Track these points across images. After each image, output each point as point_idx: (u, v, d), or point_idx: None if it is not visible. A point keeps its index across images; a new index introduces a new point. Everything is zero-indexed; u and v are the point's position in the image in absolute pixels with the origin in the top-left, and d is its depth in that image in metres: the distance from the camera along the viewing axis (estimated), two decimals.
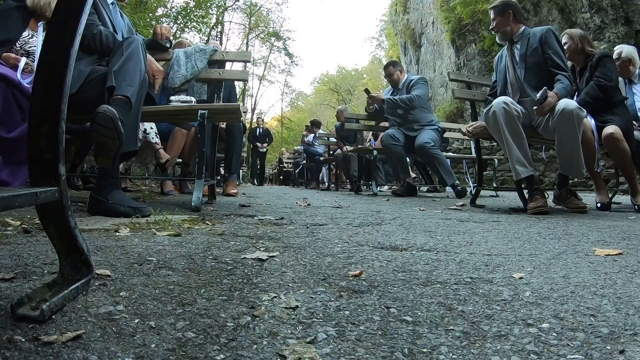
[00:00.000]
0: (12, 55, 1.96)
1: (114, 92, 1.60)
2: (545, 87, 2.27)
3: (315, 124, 9.14)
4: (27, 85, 1.69)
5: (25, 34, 2.08)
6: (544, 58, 2.47)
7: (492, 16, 2.69)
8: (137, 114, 1.74)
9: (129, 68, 1.66)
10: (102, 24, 1.96)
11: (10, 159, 1.60)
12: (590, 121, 2.52)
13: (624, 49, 3.02)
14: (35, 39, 2.12)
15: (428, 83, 4.62)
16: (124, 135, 1.45)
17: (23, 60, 1.89)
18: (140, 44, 1.77)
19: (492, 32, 2.77)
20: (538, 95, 2.26)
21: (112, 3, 2.17)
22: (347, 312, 0.64)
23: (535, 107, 2.31)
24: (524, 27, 2.63)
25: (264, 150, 11.30)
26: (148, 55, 2.10)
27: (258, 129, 11.57)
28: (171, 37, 2.55)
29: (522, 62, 2.55)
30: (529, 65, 2.52)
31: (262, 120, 12.45)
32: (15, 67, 1.83)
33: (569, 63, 2.81)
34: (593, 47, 2.87)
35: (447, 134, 5.34)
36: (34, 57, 2.07)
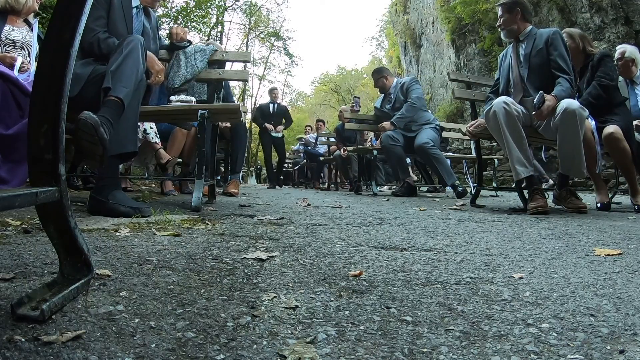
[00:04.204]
0: (8, 54, 2.03)
1: (108, 93, 1.60)
2: (541, 92, 2.26)
3: (320, 121, 9.15)
4: (24, 82, 1.70)
5: (6, 27, 2.22)
6: (548, 60, 2.47)
7: (499, 13, 2.68)
8: (134, 114, 1.73)
9: (125, 68, 1.65)
10: (112, 29, 1.96)
11: (9, 156, 1.59)
12: (590, 122, 2.52)
13: (627, 49, 2.99)
14: (16, 31, 2.24)
15: (419, 82, 4.64)
16: (107, 141, 1.43)
17: (19, 59, 1.94)
18: (141, 43, 1.76)
19: (499, 29, 2.76)
20: (535, 100, 2.26)
21: (136, 7, 2.19)
22: (347, 312, 0.64)
23: (533, 113, 2.31)
24: (531, 26, 2.62)
25: (280, 135, 7.29)
26: (149, 54, 2.11)
27: (272, 105, 7.41)
28: (187, 37, 2.58)
29: (526, 62, 2.54)
30: (533, 65, 2.52)
31: (277, 93, 7.98)
32: (11, 66, 1.85)
33: None
34: (593, 47, 2.86)
35: (447, 134, 5.35)
36: (20, 46, 2.21)
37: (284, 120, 7.29)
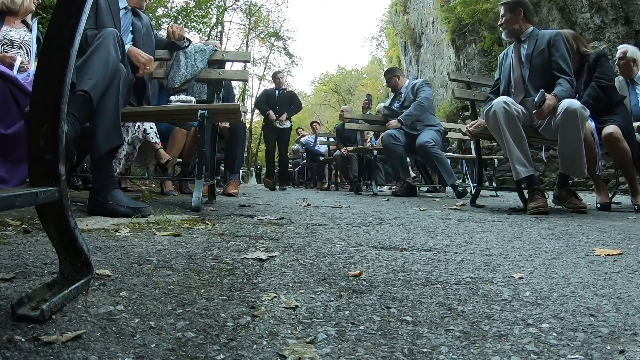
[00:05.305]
0: (8, 55, 2.03)
1: (74, 89, 1.57)
2: (542, 90, 2.26)
3: (315, 122, 9.20)
4: (24, 82, 1.70)
5: (3, 28, 2.24)
6: (549, 60, 2.47)
7: (501, 12, 2.69)
8: (113, 106, 1.69)
9: (92, 62, 1.63)
10: (101, 28, 1.97)
11: (8, 156, 1.60)
12: (590, 123, 2.52)
13: (629, 49, 2.99)
14: (14, 31, 2.27)
15: (430, 84, 4.67)
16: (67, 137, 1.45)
17: (19, 59, 1.95)
18: (114, 35, 1.72)
19: (500, 28, 2.77)
20: (536, 99, 2.26)
21: (125, 8, 2.21)
22: (347, 312, 0.64)
23: (534, 111, 2.31)
24: (533, 27, 2.62)
25: (287, 126, 6.22)
26: (133, 48, 2.12)
27: (277, 91, 6.35)
28: (185, 35, 2.58)
29: (528, 62, 2.54)
30: (534, 66, 2.52)
31: (281, 77, 6.65)
32: (11, 66, 1.86)
33: None
34: (587, 47, 2.86)
35: (447, 135, 5.35)
36: (19, 45, 2.22)
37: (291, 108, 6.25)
